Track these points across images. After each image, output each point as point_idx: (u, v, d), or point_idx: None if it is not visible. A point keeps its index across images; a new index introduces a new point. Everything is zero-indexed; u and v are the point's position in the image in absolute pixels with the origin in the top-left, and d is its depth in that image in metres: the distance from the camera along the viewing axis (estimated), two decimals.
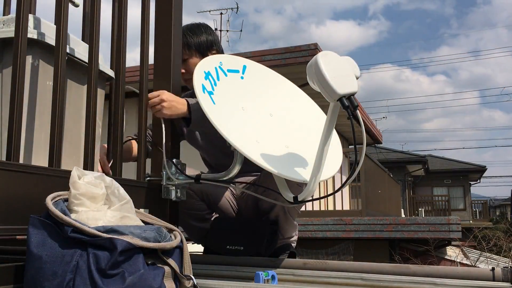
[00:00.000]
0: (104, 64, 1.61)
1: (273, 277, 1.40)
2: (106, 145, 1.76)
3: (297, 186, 1.60)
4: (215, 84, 1.60)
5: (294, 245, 1.92)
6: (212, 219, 1.94)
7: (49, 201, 0.99)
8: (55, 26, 1.34)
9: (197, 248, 2.04)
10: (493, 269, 1.32)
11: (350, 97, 1.28)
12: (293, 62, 6.78)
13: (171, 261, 1.05)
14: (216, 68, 1.65)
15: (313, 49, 6.80)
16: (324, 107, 1.63)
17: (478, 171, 23.15)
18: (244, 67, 1.76)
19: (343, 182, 1.40)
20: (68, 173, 1.06)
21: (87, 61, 1.41)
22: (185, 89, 1.99)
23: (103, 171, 1.67)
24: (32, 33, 1.32)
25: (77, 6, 1.70)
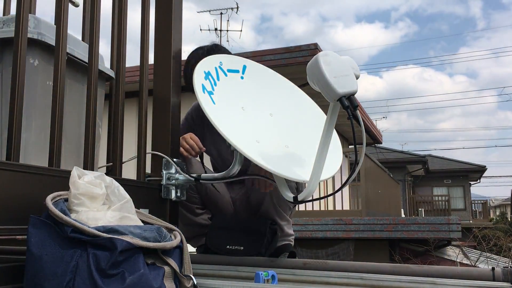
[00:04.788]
0: (104, 64, 1.62)
1: (273, 277, 1.40)
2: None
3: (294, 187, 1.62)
4: (215, 84, 1.60)
5: (292, 243, 1.92)
6: (209, 217, 1.95)
7: (49, 201, 0.99)
8: (55, 26, 1.34)
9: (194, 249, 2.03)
10: (493, 269, 1.32)
11: (350, 97, 1.28)
12: (293, 62, 6.77)
13: (171, 261, 1.05)
14: (216, 68, 1.65)
15: (313, 49, 6.79)
16: (324, 107, 1.63)
17: (478, 171, 23.13)
18: (244, 67, 1.76)
19: (343, 182, 1.40)
20: (68, 173, 1.06)
21: (87, 61, 1.41)
22: (185, 89, 1.99)
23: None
24: (32, 33, 1.32)
25: (77, 6, 1.70)
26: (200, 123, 2.02)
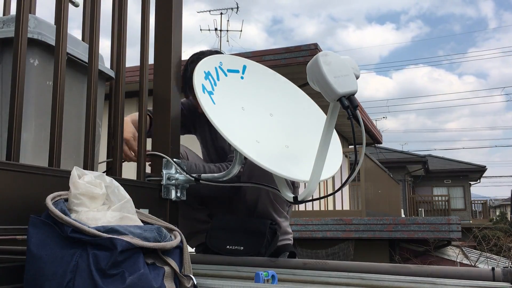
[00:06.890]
0: (104, 64, 1.61)
1: (273, 277, 1.40)
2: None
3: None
4: (215, 84, 1.60)
5: (291, 242, 1.93)
6: (208, 214, 1.96)
7: (49, 201, 0.99)
8: (55, 26, 1.34)
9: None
10: (493, 269, 1.32)
11: (350, 97, 1.28)
12: (293, 62, 6.78)
13: (171, 261, 1.06)
14: (216, 68, 1.65)
15: (313, 49, 6.80)
16: (324, 107, 1.63)
17: (478, 171, 23.13)
18: (244, 67, 1.76)
19: (343, 182, 1.40)
20: (68, 173, 1.06)
21: (87, 61, 1.41)
22: (184, 90, 1.99)
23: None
24: (32, 33, 1.32)
25: (77, 6, 1.70)
26: (189, 116, 2.09)
